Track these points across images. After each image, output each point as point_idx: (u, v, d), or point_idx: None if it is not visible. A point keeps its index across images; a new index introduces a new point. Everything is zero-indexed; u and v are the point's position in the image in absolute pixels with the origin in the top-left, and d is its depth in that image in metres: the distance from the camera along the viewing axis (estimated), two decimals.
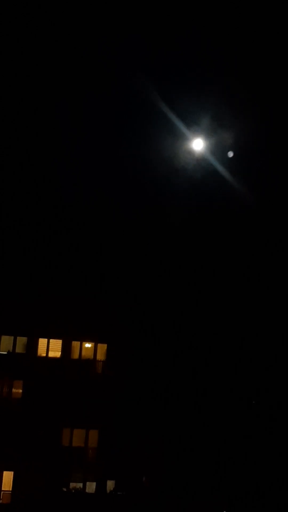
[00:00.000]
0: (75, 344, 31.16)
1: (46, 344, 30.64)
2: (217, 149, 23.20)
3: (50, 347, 30.69)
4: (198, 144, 24.42)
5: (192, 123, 23.50)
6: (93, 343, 31.43)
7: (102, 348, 31.49)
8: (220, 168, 23.18)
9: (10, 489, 28.24)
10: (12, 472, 28.46)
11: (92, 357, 31.25)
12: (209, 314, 30.56)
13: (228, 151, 23.07)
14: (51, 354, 30.68)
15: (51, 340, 30.73)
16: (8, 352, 30.12)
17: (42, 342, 30.63)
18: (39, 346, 30.53)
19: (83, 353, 31.22)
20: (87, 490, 29.43)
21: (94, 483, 29.61)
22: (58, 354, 30.75)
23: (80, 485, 29.45)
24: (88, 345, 31.40)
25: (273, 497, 27.65)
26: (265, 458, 28.62)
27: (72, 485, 29.38)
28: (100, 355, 31.41)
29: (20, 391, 29.61)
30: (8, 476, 28.46)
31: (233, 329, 30.52)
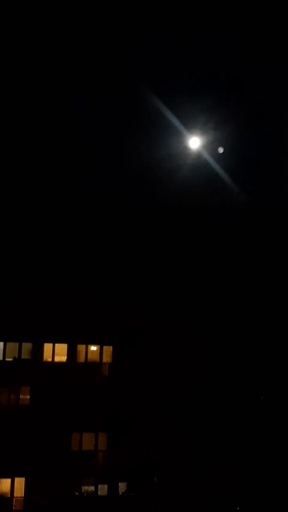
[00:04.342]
0: (81, 347, 31.12)
1: (51, 349, 30.59)
2: (213, 147, 23.10)
3: (55, 352, 30.64)
4: (194, 143, 24.35)
5: (189, 122, 23.41)
6: (99, 346, 31.40)
7: (108, 350, 31.46)
8: (216, 166, 23.11)
9: (23, 495, 28.30)
10: (24, 478, 28.50)
11: (98, 359, 31.23)
12: (210, 313, 30.51)
13: (225, 149, 22.98)
14: (57, 358, 30.64)
15: (56, 344, 30.68)
16: (14, 358, 30.09)
17: (48, 347, 30.59)
18: (44, 351, 30.47)
19: (89, 356, 31.20)
20: (99, 493, 29.47)
21: (106, 486, 29.63)
22: (64, 358, 30.72)
23: (92, 488, 29.49)
24: (93, 348, 31.37)
25: (278, 496, 27.68)
26: (267, 458, 28.64)
27: (84, 488, 29.41)
28: (106, 358, 31.39)
29: (28, 397, 29.58)
30: (19, 482, 28.49)
31: (234, 328, 30.46)
